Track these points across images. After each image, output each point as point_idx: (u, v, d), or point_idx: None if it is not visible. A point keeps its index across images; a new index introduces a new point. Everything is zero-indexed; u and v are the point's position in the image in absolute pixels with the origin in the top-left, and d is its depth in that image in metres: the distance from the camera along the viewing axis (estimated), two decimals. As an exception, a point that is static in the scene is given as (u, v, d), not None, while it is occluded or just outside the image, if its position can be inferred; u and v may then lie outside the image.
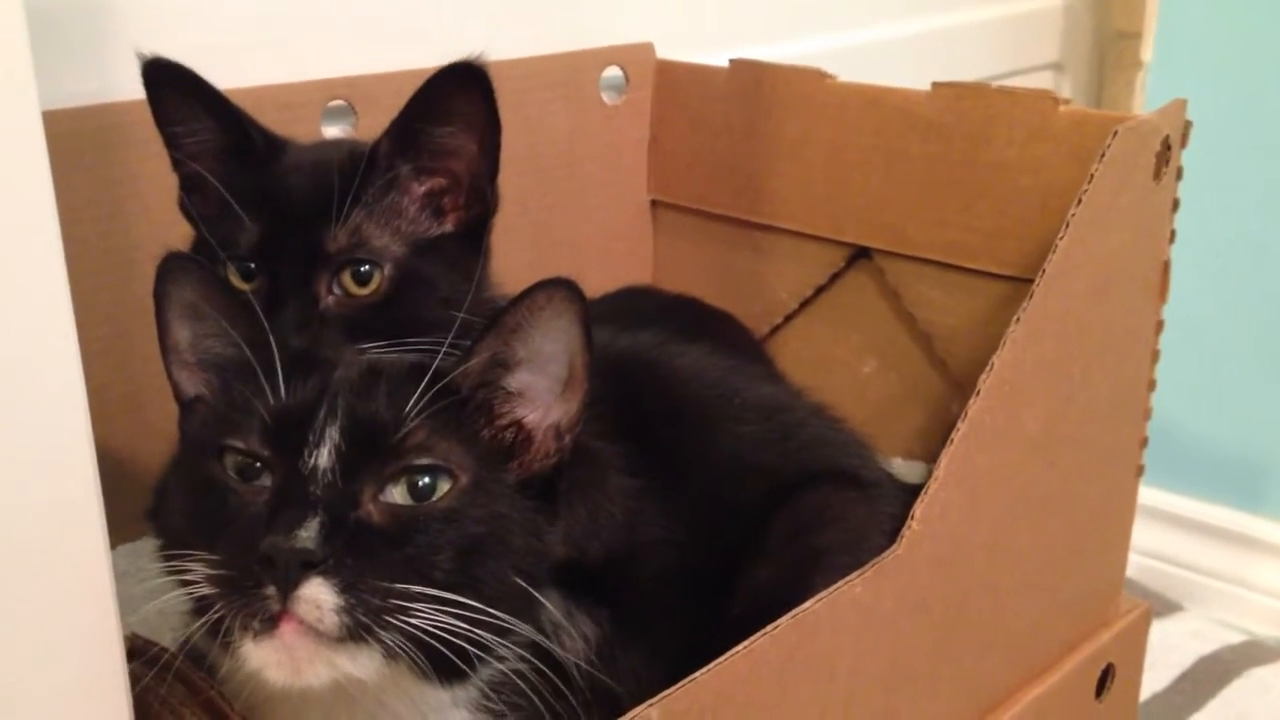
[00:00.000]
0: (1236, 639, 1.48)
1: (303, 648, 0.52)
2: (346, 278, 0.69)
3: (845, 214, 1.02)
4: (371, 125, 0.93)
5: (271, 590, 0.51)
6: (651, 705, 0.56)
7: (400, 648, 0.53)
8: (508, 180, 1.06)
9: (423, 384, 0.57)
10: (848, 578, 0.66)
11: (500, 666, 0.58)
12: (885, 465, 0.86)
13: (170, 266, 0.61)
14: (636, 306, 0.98)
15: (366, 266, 0.69)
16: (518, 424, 0.61)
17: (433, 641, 0.53)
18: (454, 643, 0.53)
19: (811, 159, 1.03)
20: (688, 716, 0.58)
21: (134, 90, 0.82)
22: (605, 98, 1.09)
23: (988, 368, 0.71)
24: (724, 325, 1.01)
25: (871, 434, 0.87)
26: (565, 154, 1.07)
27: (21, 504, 0.54)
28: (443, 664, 0.55)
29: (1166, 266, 0.85)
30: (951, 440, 0.70)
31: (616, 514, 0.70)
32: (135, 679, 0.60)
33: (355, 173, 0.70)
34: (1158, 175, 0.80)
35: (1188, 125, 0.82)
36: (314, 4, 0.94)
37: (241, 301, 0.62)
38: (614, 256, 1.13)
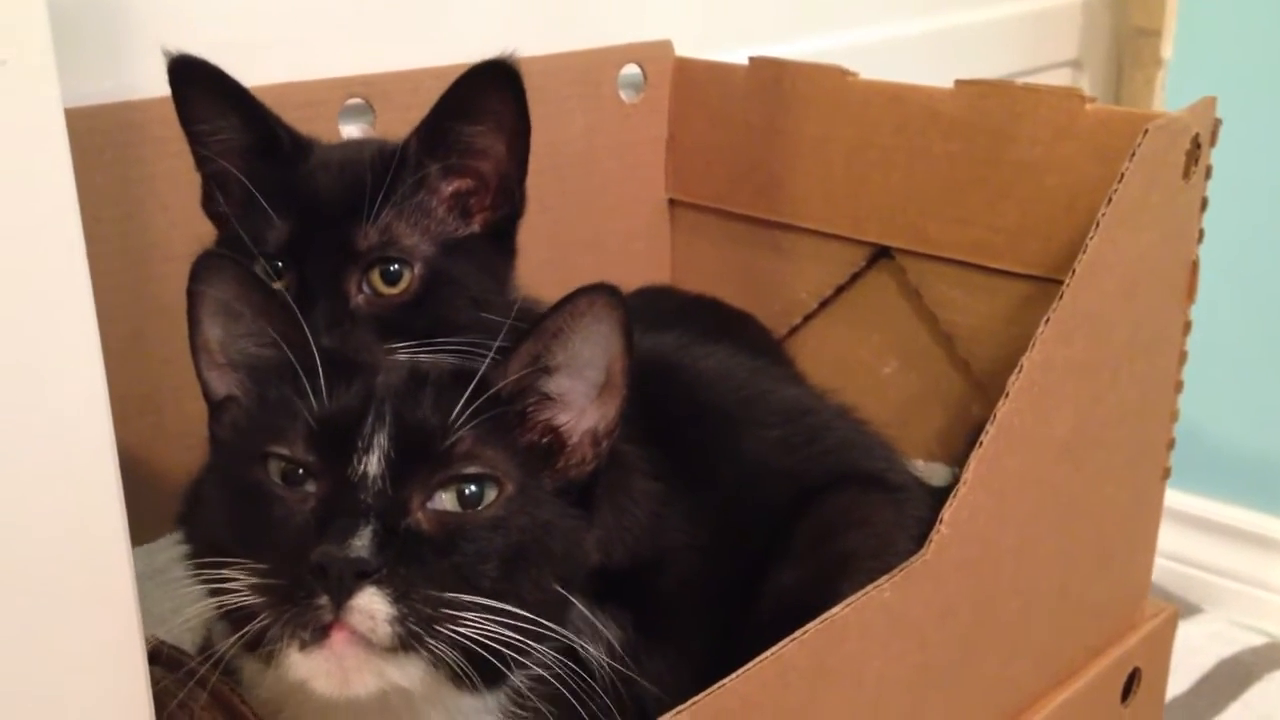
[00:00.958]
0: (1258, 641, 1.47)
1: (353, 657, 0.51)
2: (376, 276, 0.68)
3: (866, 213, 1.01)
4: (389, 123, 0.93)
5: (324, 600, 0.50)
6: (680, 711, 0.55)
7: (447, 656, 0.52)
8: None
9: (469, 391, 0.56)
10: (876, 583, 0.65)
11: (533, 670, 0.58)
12: (910, 468, 0.85)
13: (205, 264, 0.59)
14: (656, 307, 0.97)
15: (396, 265, 0.69)
16: (556, 429, 0.61)
17: (478, 649, 0.52)
18: (496, 649, 0.53)
19: (832, 157, 1.02)
20: (717, 723, 0.58)
21: (152, 88, 0.81)
22: (623, 96, 1.08)
23: (1017, 369, 0.70)
24: (744, 326, 1.01)
25: (892, 435, 0.86)
26: (583, 152, 1.06)
27: (44, 506, 0.53)
28: (483, 670, 0.54)
29: (1195, 266, 0.84)
30: (980, 443, 0.69)
31: (641, 518, 0.69)
32: (156, 683, 0.60)
33: (385, 171, 0.69)
34: (1187, 174, 0.79)
35: (1217, 123, 0.81)
36: (332, 2, 0.94)
37: (279, 301, 0.61)
38: (632, 255, 1.12)
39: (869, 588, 0.64)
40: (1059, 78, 1.50)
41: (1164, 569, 1.53)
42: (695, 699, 0.56)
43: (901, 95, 0.97)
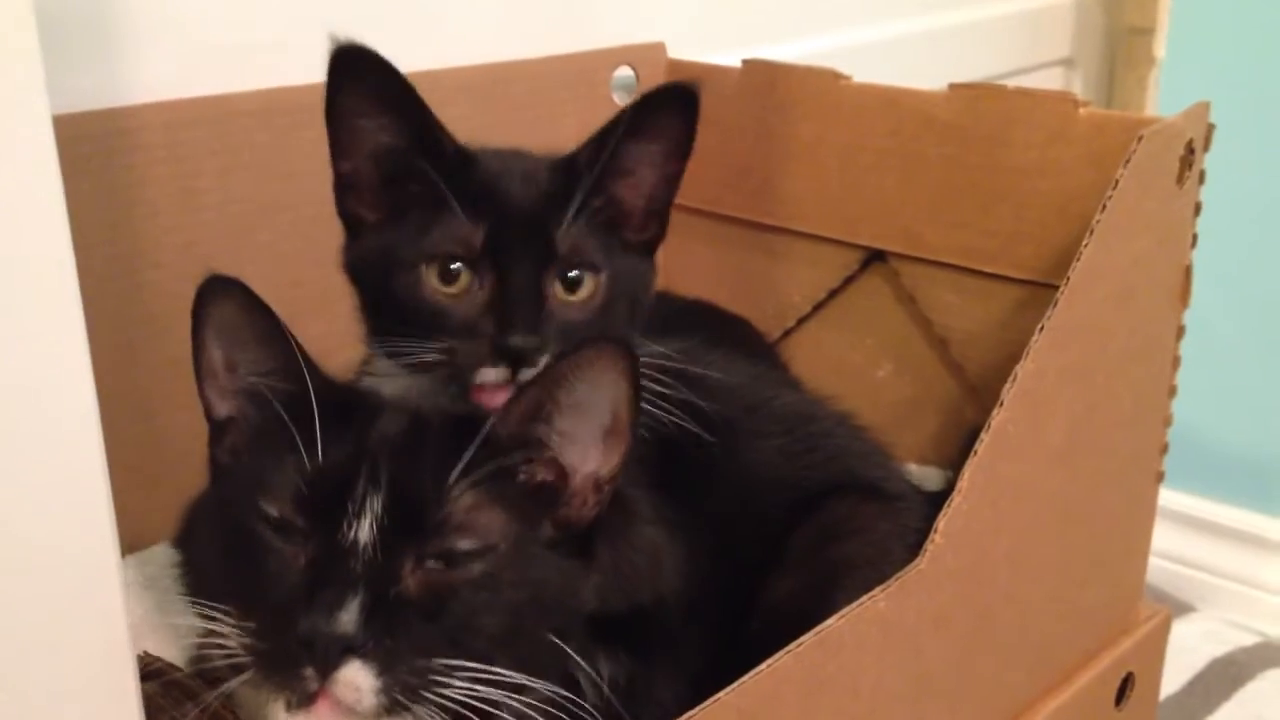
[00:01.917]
0: (1250, 641, 1.47)
1: None
2: (566, 282, 0.69)
3: (860, 216, 1.01)
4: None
5: (310, 671, 0.50)
6: (675, 727, 0.55)
7: (435, 717, 0.52)
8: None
9: (470, 450, 0.55)
10: (871, 593, 0.65)
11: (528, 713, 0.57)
12: (907, 475, 0.85)
13: (212, 287, 0.58)
14: (653, 311, 0.96)
15: (585, 273, 0.69)
16: (557, 476, 0.60)
17: (465, 711, 0.52)
18: (485, 708, 0.53)
19: (826, 160, 1.01)
20: (712, 737, 0.57)
21: (141, 94, 0.81)
22: (616, 98, 1.07)
23: (1011, 377, 0.70)
24: (740, 331, 1.00)
25: (886, 439, 0.86)
26: (576, 155, 1.06)
27: (33, 515, 0.53)
28: None
29: (1188, 271, 0.84)
30: (975, 451, 0.69)
31: (641, 566, 0.68)
32: (146, 697, 0.59)
33: (568, 181, 0.69)
34: (1181, 179, 0.79)
35: (1211, 128, 0.81)
36: (324, 5, 0.93)
37: (283, 331, 0.59)
38: (625, 259, 1.12)
39: (864, 598, 0.64)
40: (1052, 77, 1.50)
41: (1157, 568, 1.53)
42: (689, 714, 0.56)
43: (895, 99, 0.97)
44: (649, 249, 0.75)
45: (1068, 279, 0.71)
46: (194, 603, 0.56)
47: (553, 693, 0.57)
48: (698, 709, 0.56)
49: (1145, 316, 0.81)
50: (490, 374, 0.65)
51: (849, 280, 1.04)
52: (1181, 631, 1.48)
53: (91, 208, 0.80)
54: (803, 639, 0.61)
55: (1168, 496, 1.49)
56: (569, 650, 0.57)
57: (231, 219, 0.85)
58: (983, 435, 0.69)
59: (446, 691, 0.52)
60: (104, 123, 0.79)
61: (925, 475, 0.95)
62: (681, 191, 1.12)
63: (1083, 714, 0.85)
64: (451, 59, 0.96)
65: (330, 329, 0.89)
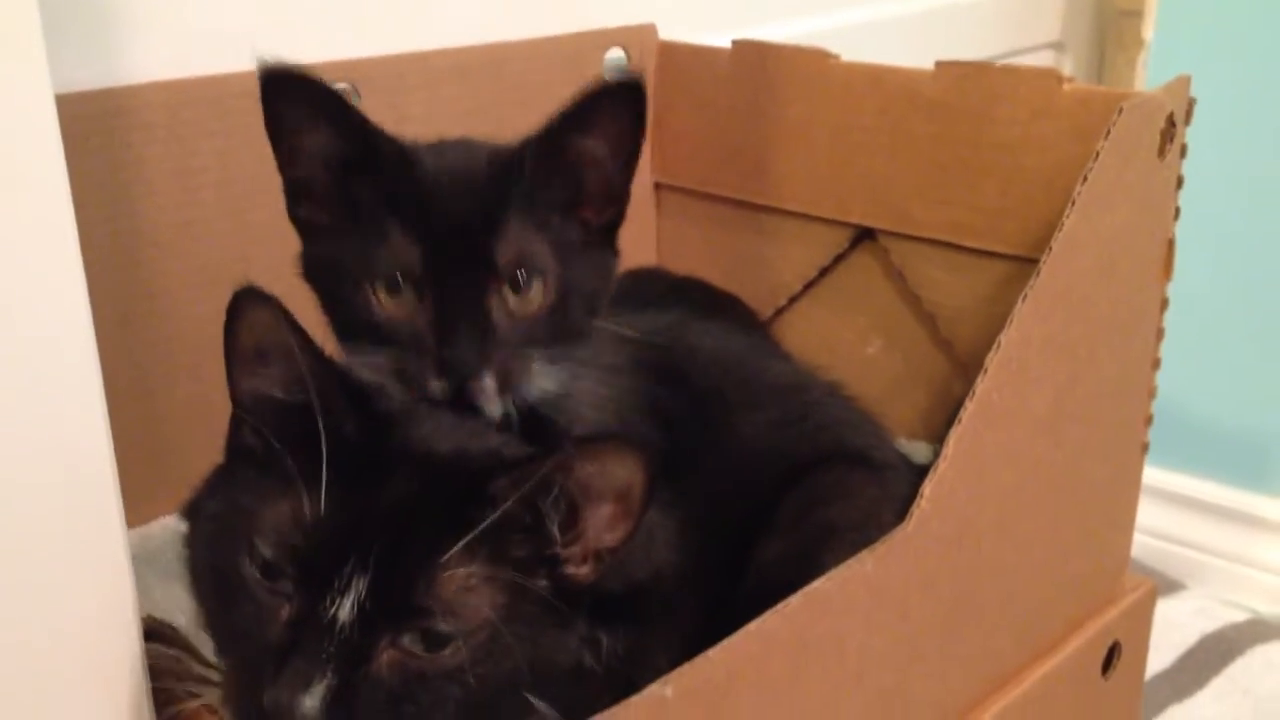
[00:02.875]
0: (1240, 617, 1.49)
1: None
2: (513, 290, 0.67)
3: (849, 194, 1.02)
4: (375, 108, 0.92)
5: None
6: (665, 683, 0.56)
7: None
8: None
9: (469, 536, 0.54)
10: (858, 555, 0.66)
11: None
12: (896, 444, 0.86)
13: (240, 302, 0.57)
14: (645, 288, 0.98)
15: (532, 275, 0.68)
16: (559, 549, 0.58)
17: None
18: None
19: (815, 140, 1.02)
20: (701, 694, 0.59)
21: (140, 74, 0.82)
22: (608, 78, 1.08)
23: (994, 346, 0.71)
24: (732, 307, 1.02)
25: (876, 414, 0.87)
26: (568, 136, 1.07)
27: (39, 487, 0.54)
28: None
29: (1171, 244, 0.85)
30: (959, 419, 0.70)
31: (636, 548, 0.67)
32: (151, 660, 0.60)
33: (507, 179, 0.68)
34: (1162, 152, 0.80)
35: (1192, 102, 0.82)
36: (318, -13, 0.94)
37: (311, 351, 0.57)
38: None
39: (850, 560, 0.65)
40: (1042, 60, 1.51)
41: (1147, 546, 1.56)
42: (678, 670, 0.57)
43: (883, 77, 0.98)
44: (609, 233, 0.73)
45: (1050, 249, 0.72)
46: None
47: None
48: (685, 666, 0.57)
49: (1128, 288, 0.83)
50: (436, 388, 0.65)
51: (839, 258, 1.06)
52: (1172, 609, 1.50)
53: (91, 186, 0.81)
54: (790, 599, 0.62)
55: (1158, 475, 1.52)
56: (550, 712, 0.56)
57: (229, 198, 0.86)
58: (967, 403, 0.71)
59: None
60: (103, 102, 0.80)
61: (914, 450, 0.97)
62: (673, 172, 1.15)
63: (1069, 682, 0.87)
64: (442, 40, 0.97)
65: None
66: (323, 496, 0.53)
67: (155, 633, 0.63)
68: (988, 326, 0.97)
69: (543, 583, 0.57)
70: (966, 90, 0.93)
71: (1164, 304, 0.87)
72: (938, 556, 0.72)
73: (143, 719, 0.59)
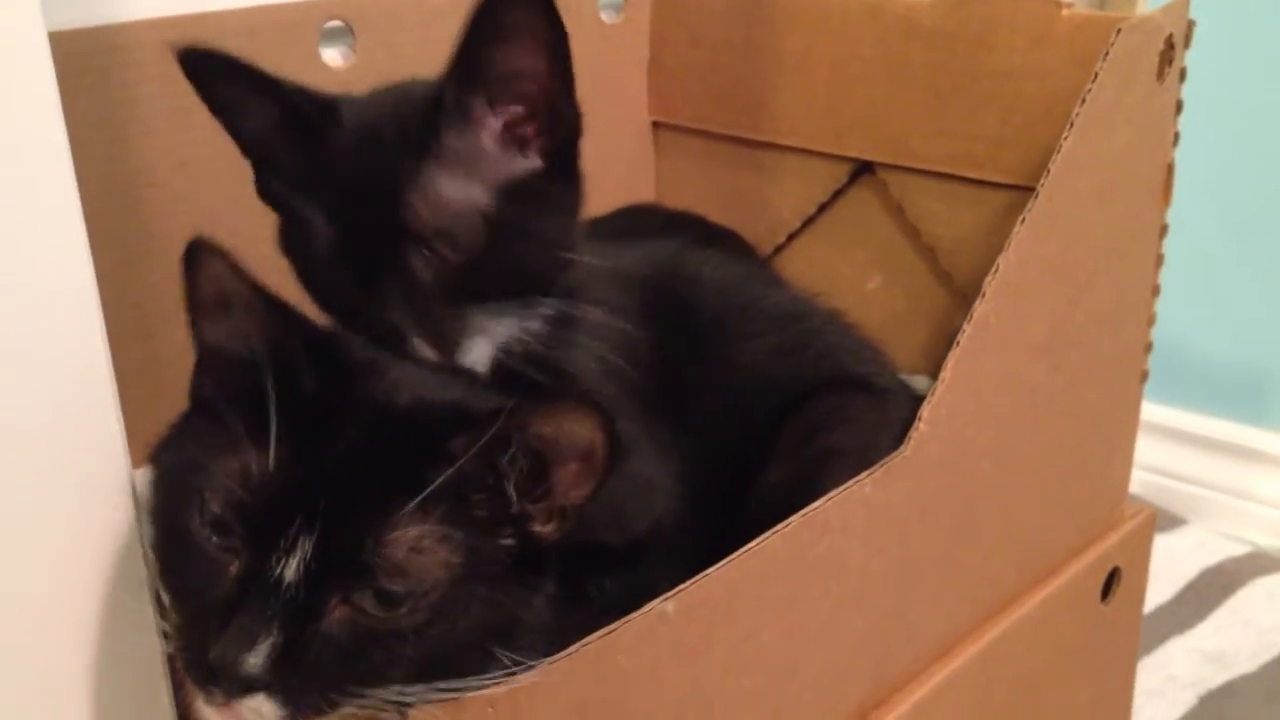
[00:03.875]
0: (1240, 550, 1.50)
1: None
2: (437, 244, 0.64)
3: (848, 128, 1.01)
4: (370, 46, 0.93)
5: (216, 691, 0.50)
6: (667, 599, 0.57)
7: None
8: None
9: (423, 494, 0.52)
10: (857, 478, 0.66)
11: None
12: (895, 369, 0.86)
13: (191, 254, 0.56)
14: (641, 224, 0.98)
15: (453, 228, 0.64)
16: (521, 506, 0.56)
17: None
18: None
19: (813, 73, 1.02)
20: (701, 610, 0.59)
21: (133, 11, 0.82)
22: (604, 16, 1.08)
23: (993, 269, 0.72)
24: (728, 241, 1.01)
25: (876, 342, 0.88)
26: (564, 75, 1.06)
27: (44, 430, 0.55)
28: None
29: (1170, 169, 0.85)
30: (957, 343, 0.71)
31: (634, 502, 0.69)
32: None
33: (424, 123, 0.65)
34: (1161, 75, 0.80)
35: (1191, 25, 0.82)
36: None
37: (267, 303, 0.56)
38: (616, 179, 1.13)
39: (849, 483, 0.66)
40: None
41: (1148, 482, 1.56)
42: (680, 587, 0.58)
43: (880, 7, 0.97)
44: (562, 159, 0.68)
45: (1048, 172, 0.72)
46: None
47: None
48: (687, 583, 0.58)
49: (1127, 212, 0.82)
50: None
51: (838, 194, 1.05)
52: (1172, 543, 1.51)
53: (86, 126, 0.80)
54: (789, 520, 0.63)
55: (1158, 411, 1.53)
56: (515, 658, 0.54)
57: (224, 138, 0.85)
58: (965, 326, 0.71)
59: (366, 702, 0.52)
60: (95, 40, 0.80)
61: (916, 384, 0.97)
62: (671, 109, 1.14)
63: (1069, 606, 0.88)
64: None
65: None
66: (271, 452, 0.52)
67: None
68: (988, 258, 0.96)
69: (506, 541, 0.56)
70: (964, 18, 0.92)
71: (1163, 230, 0.87)
72: (936, 479, 0.72)
73: (156, 658, 0.60)
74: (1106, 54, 0.73)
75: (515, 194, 0.66)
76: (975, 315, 0.71)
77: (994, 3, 0.91)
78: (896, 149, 0.99)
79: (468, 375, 0.66)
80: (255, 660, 0.49)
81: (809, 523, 0.64)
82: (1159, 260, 0.88)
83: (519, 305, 0.66)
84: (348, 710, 0.52)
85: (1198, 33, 0.83)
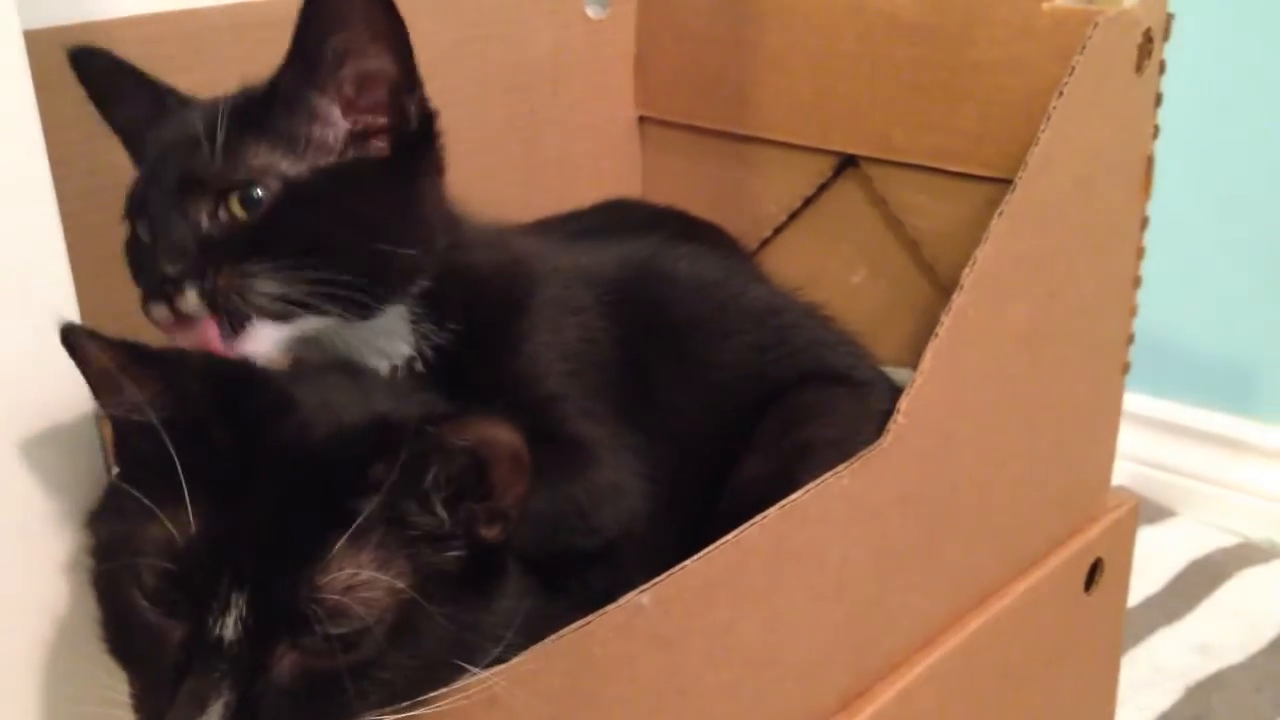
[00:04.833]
0: (1229, 541, 1.50)
1: None
2: (233, 202, 0.64)
3: (832, 122, 1.02)
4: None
5: None
6: (643, 591, 0.58)
7: None
8: (492, 98, 1.06)
9: (345, 536, 0.52)
10: (835, 469, 0.67)
11: None
12: (875, 362, 0.87)
13: (69, 342, 0.55)
14: (623, 218, 0.98)
15: (248, 189, 0.64)
16: (455, 515, 0.55)
17: None
18: None
19: (797, 68, 1.02)
20: (678, 603, 0.60)
21: (111, 9, 0.82)
22: (590, 12, 1.08)
23: (970, 261, 0.72)
24: (710, 236, 1.02)
25: (863, 342, 0.88)
26: (550, 71, 1.07)
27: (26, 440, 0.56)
28: None
29: (1149, 161, 0.86)
30: (936, 334, 0.71)
31: (605, 509, 0.69)
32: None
33: (257, 106, 0.66)
34: (1139, 68, 0.80)
35: (1169, 18, 0.82)
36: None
37: (155, 367, 0.56)
38: (602, 174, 1.13)
39: (828, 474, 0.66)
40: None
41: (1136, 474, 1.57)
42: (657, 579, 0.58)
43: (863, 3, 0.97)
44: (414, 144, 0.68)
45: (1026, 164, 0.72)
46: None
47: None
48: (665, 575, 0.59)
49: (1106, 205, 0.83)
50: (157, 313, 0.63)
51: (823, 188, 1.06)
52: (1161, 535, 1.51)
53: (67, 125, 0.80)
54: (768, 511, 0.63)
55: (1144, 402, 1.53)
56: (477, 670, 0.54)
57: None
58: (943, 318, 0.72)
59: None
60: (75, 38, 0.80)
61: (900, 377, 0.97)
62: (657, 105, 1.14)
63: (1052, 597, 0.88)
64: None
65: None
66: (190, 516, 0.52)
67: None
68: (970, 251, 0.97)
69: (455, 553, 0.55)
70: (946, 13, 0.93)
71: (1144, 222, 0.88)
72: (916, 471, 0.73)
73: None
74: (1084, 47, 0.74)
75: (337, 177, 0.66)
76: (953, 307, 0.71)
77: (975, -4, 0.92)
78: (879, 143, 0.99)
79: (390, 386, 0.65)
80: None
81: (788, 514, 0.64)
82: (1140, 252, 0.88)
83: (298, 276, 0.63)
84: None
85: (1176, 25, 0.83)
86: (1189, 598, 1.40)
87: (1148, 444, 1.55)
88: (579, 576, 0.69)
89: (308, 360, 0.68)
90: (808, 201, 1.07)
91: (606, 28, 1.10)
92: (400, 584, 0.53)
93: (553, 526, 0.66)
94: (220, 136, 0.64)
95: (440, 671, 0.53)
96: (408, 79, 0.66)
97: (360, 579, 0.52)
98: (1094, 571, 0.92)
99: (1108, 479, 0.94)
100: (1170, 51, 0.83)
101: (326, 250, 0.63)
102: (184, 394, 0.55)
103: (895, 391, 0.80)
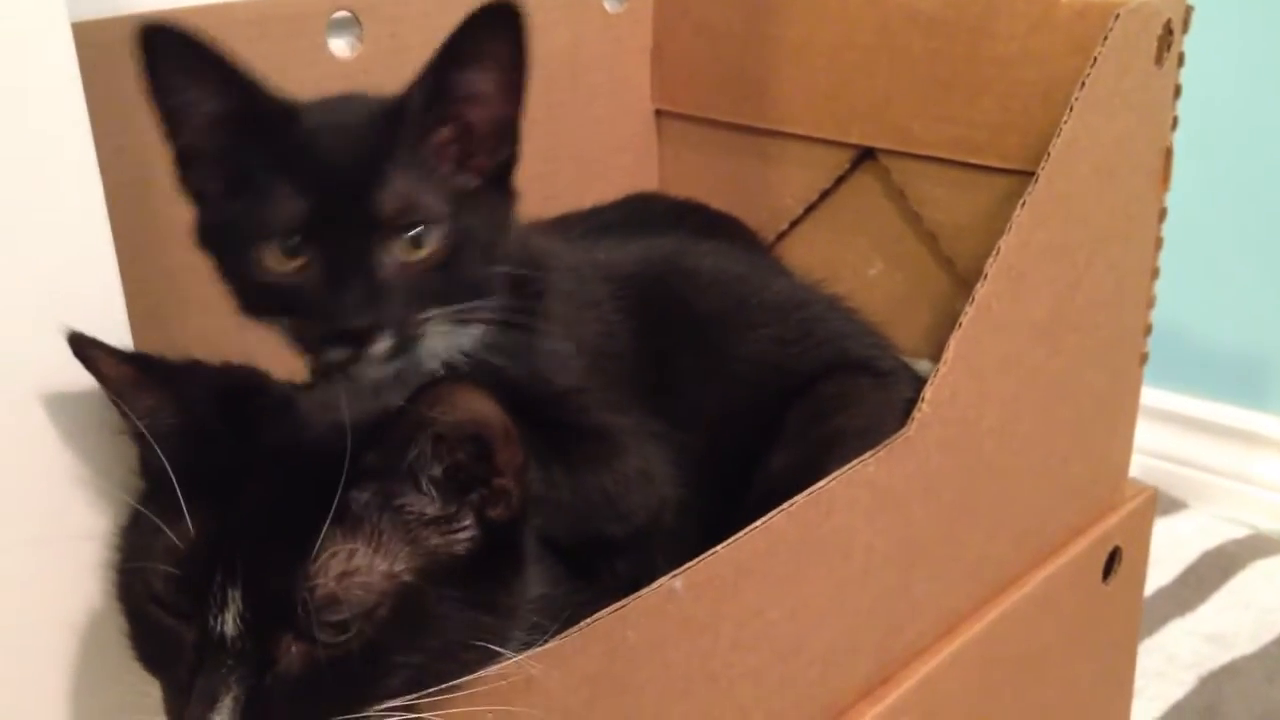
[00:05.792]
0: (1241, 533, 1.51)
1: None
2: (402, 243, 0.65)
3: (850, 115, 1.02)
4: (377, 36, 0.94)
5: None
6: (675, 576, 0.58)
7: None
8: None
9: (328, 521, 0.52)
10: (861, 458, 0.68)
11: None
12: (898, 352, 0.87)
13: (79, 347, 0.55)
14: (644, 211, 0.99)
15: (421, 229, 0.65)
16: (448, 498, 0.56)
17: None
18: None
19: (815, 60, 1.03)
20: (709, 588, 0.61)
21: (146, 4, 0.82)
22: (607, 6, 1.09)
23: (994, 251, 0.73)
24: (731, 228, 1.02)
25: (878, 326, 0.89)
26: (568, 65, 1.07)
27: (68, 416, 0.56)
28: None
29: (1169, 153, 0.86)
30: (960, 324, 0.72)
31: (633, 497, 0.70)
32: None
33: (390, 130, 0.66)
34: (1159, 60, 0.81)
35: (1189, 10, 0.83)
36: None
37: (158, 375, 0.56)
38: (620, 168, 1.14)
39: (854, 462, 0.67)
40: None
41: (1149, 466, 1.58)
42: (687, 565, 0.59)
43: (881, -5, 0.98)
44: (502, 176, 0.70)
45: (1048, 155, 0.73)
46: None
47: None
48: (696, 560, 0.59)
49: (1126, 196, 0.83)
50: (336, 355, 0.64)
51: (840, 180, 1.06)
52: (1173, 527, 1.52)
53: (102, 117, 0.82)
54: (795, 499, 0.64)
55: (1158, 395, 1.54)
56: (505, 651, 0.54)
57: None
58: (967, 308, 0.72)
59: None
60: (111, 31, 0.80)
61: (918, 368, 0.98)
62: (675, 98, 1.15)
63: (1070, 587, 0.89)
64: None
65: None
66: (188, 520, 0.53)
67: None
68: (988, 243, 0.97)
69: (464, 534, 0.55)
70: (964, 5, 0.93)
71: (1163, 214, 0.88)
72: (939, 460, 0.73)
73: None
74: (1105, 38, 0.74)
75: (464, 206, 0.67)
76: (977, 297, 0.72)
77: (993, -11, 0.92)
78: (898, 135, 1.00)
79: (392, 387, 0.65)
80: (220, 718, 0.50)
81: (814, 502, 0.65)
82: (1158, 243, 0.89)
83: (464, 311, 0.67)
84: None
85: (1196, 17, 0.84)
86: (1201, 589, 1.41)
87: (1160, 436, 1.56)
88: (608, 564, 0.69)
89: None
90: (825, 194, 1.07)
91: (624, 21, 1.11)
92: (399, 569, 0.53)
93: (583, 515, 0.67)
94: (387, 170, 0.65)
95: (465, 654, 0.54)
96: (517, 112, 0.68)
97: (354, 566, 0.52)
98: (1112, 561, 0.92)
99: (1126, 468, 0.95)
100: (1189, 44, 0.84)
101: (471, 282, 0.67)
102: (191, 402, 0.56)
103: (918, 382, 0.80)
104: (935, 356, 1.00)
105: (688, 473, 0.74)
